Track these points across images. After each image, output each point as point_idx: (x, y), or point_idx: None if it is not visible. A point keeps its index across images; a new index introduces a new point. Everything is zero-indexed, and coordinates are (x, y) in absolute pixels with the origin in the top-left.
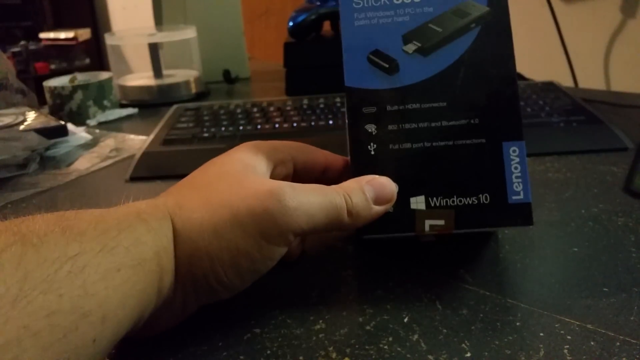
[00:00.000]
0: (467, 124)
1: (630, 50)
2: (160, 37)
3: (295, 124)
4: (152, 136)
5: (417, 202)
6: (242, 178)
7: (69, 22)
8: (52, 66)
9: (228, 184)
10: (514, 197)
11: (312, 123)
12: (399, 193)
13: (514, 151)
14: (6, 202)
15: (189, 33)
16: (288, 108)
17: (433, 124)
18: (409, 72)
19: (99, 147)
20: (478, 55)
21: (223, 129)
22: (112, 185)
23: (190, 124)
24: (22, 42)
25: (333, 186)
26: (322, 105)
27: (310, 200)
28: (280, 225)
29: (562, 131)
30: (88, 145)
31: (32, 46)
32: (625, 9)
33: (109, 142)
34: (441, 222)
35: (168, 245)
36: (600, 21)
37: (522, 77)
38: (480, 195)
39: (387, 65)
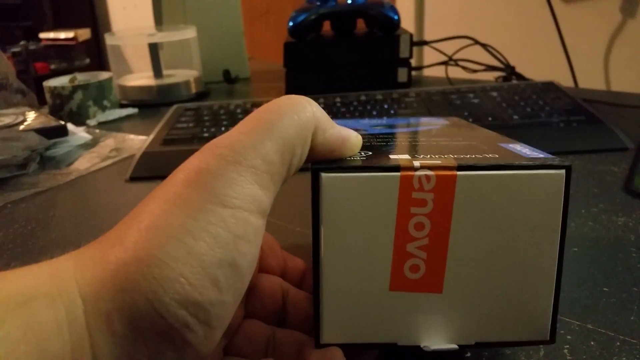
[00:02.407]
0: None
1: (630, 50)
2: (160, 37)
3: None
4: (152, 136)
5: (400, 158)
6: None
7: (69, 22)
8: (52, 66)
9: (157, 187)
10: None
11: None
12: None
13: None
14: (6, 202)
15: (189, 33)
16: None
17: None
18: None
19: (99, 147)
20: None
21: (223, 129)
22: (112, 185)
23: (190, 124)
24: (22, 42)
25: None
26: (322, 105)
27: (245, 128)
28: (227, 174)
29: (562, 131)
30: (88, 145)
31: (32, 46)
32: (625, 9)
33: (109, 142)
34: (437, 162)
35: (50, 290)
36: (600, 21)
37: (522, 77)
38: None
39: None
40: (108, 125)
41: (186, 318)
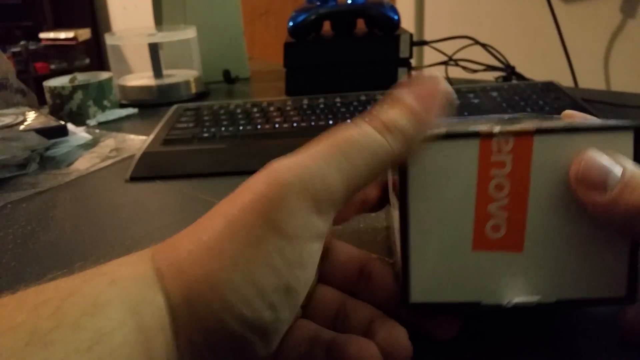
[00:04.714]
0: None
1: (630, 50)
2: (160, 37)
3: (295, 124)
4: (152, 136)
5: (479, 127)
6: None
7: (69, 22)
8: (52, 66)
9: (224, 202)
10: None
11: (312, 123)
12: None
13: None
14: (6, 202)
15: (189, 33)
16: (288, 108)
17: None
18: None
19: (99, 147)
20: None
21: (223, 129)
22: (112, 185)
23: (190, 124)
24: (22, 42)
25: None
26: (322, 105)
27: (315, 155)
28: (289, 204)
29: None
30: (88, 145)
31: (32, 46)
32: (625, 9)
33: (109, 142)
34: (515, 128)
35: (149, 293)
36: (600, 21)
37: (522, 77)
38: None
39: None
40: (108, 125)
41: (247, 335)
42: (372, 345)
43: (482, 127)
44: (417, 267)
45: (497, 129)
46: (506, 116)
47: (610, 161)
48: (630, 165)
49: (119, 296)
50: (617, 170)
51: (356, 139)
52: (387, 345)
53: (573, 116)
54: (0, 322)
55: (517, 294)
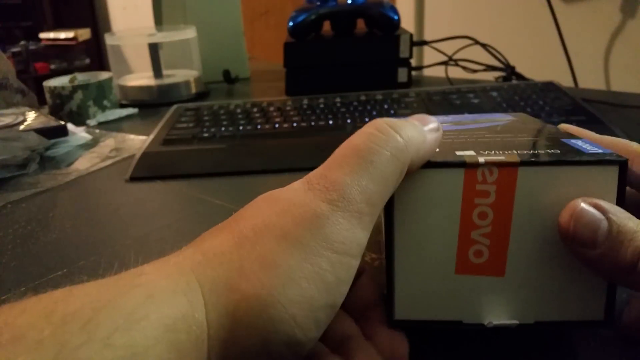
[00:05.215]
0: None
1: (630, 50)
2: (160, 37)
3: (295, 124)
4: (152, 136)
5: (465, 155)
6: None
7: (69, 22)
8: (52, 66)
9: (263, 207)
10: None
11: (312, 123)
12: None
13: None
14: (6, 202)
15: (189, 33)
16: (288, 108)
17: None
18: None
19: (99, 147)
20: None
21: (223, 129)
22: (112, 186)
23: (190, 124)
24: (22, 42)
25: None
26: (322, 105)
27: (347, 168)
28: (338, 220)
29: None
30: (88, 145)
31: (32, 46)
32: (625, 9)
33: (109, 142)
34: (500, 158)
35: (189, 310)
36: (600, 21)
37: (522, 77)
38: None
39: None
40: (108, 125)
41: (286, 353)
42: None
43: (468, 155)
44: (402, 286)
45: (482, 159)
46: (504, 118)
47: (598, 214)
48: (616, 214)
49: (156, 312)
50: (604, 226)
51: (380, 146)
52: None
53: (568, 129)
54: (27, 334)
55: (498, 316)
